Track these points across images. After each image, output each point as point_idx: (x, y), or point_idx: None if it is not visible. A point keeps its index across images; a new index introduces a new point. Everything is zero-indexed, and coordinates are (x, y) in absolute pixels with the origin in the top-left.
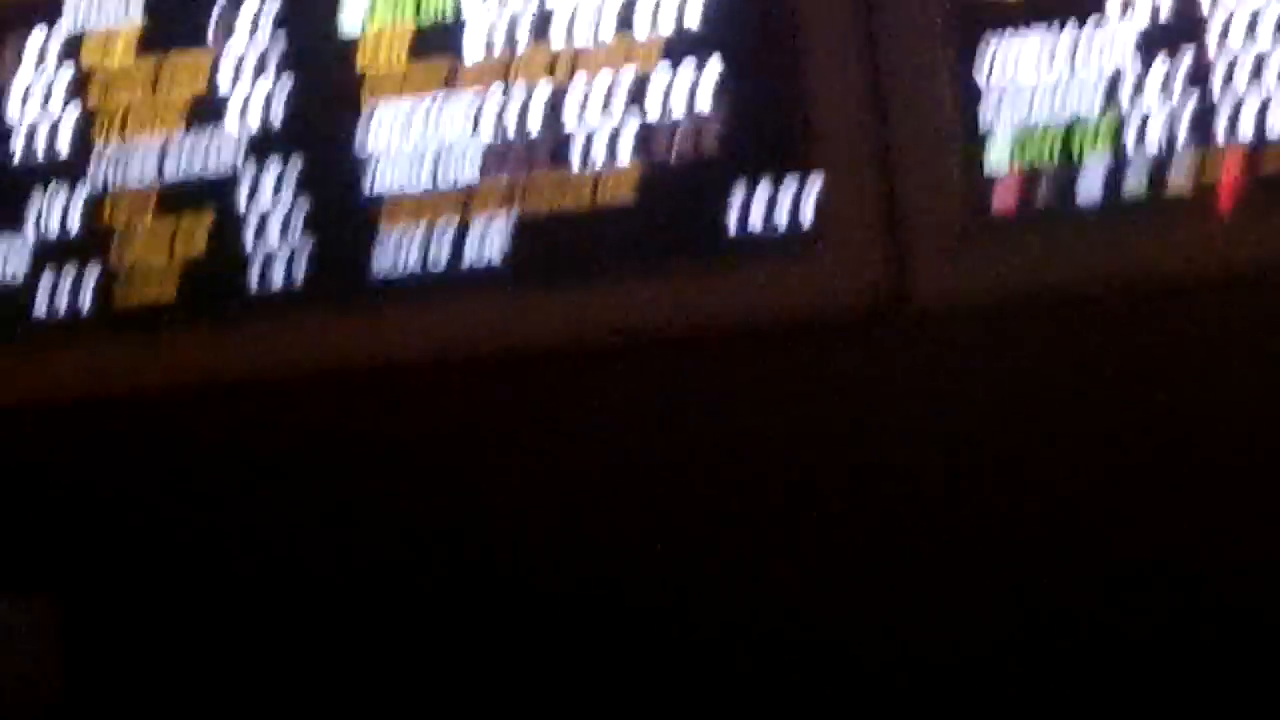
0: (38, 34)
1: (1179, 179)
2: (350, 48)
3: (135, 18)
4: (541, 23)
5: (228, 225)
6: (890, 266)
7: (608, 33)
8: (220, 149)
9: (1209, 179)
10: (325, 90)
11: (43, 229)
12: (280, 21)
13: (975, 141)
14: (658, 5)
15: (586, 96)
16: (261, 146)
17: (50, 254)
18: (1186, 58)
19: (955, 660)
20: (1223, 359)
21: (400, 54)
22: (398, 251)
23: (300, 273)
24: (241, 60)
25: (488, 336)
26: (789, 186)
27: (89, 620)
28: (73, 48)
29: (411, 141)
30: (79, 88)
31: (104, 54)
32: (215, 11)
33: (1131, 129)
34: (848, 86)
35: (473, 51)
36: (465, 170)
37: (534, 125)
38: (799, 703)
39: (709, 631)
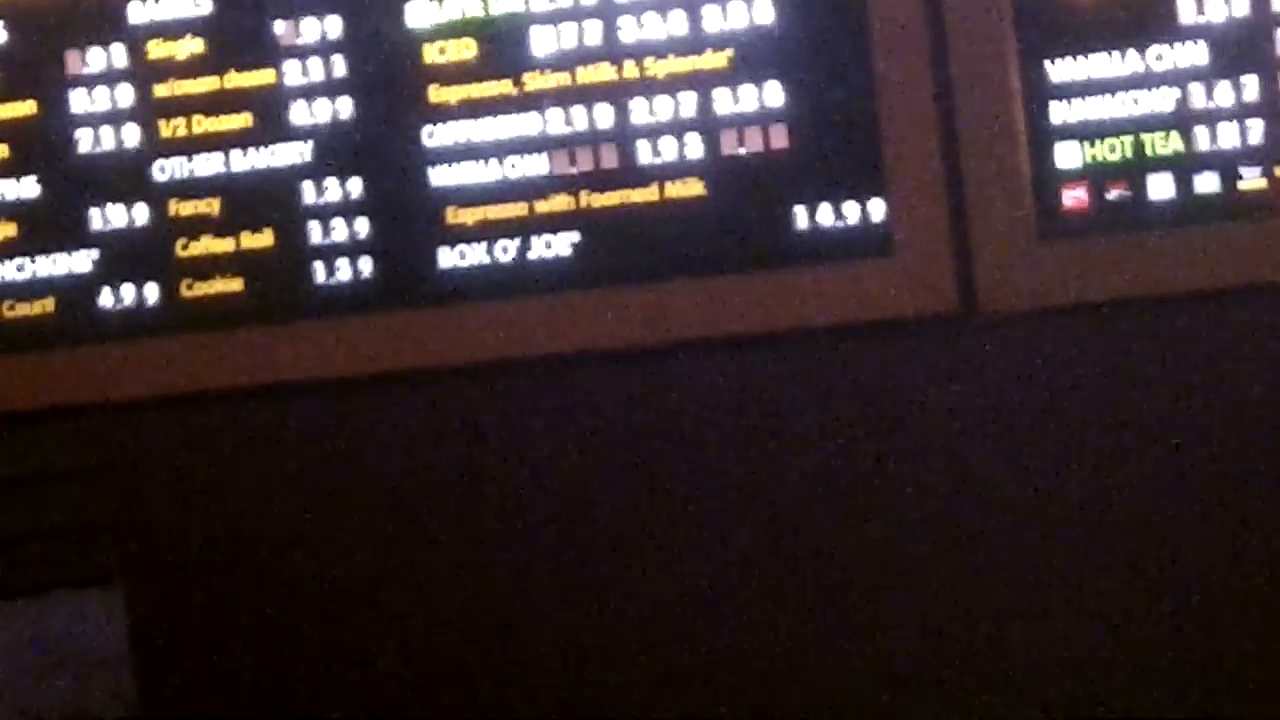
0: (101, 32)
1: (1251, 181)
2: (416, 44)
3: (201, 14)
4: (610, 22)
5: (293, 224)
6: (959, 272)
7: (679, 27)
8: (286, 146)
9: None
10: (391, 87)
11: (108, 228)
12: (346, 19)
13: (1044, 147)
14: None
15: (655, 95)
16: (327, 144)
17: (116, 253)
18: (1258, 58)
19: (1020, 667)
20: None
21: (467, 51)
22: (464, 251)
23: (366, 272)
24: (307, 56)
25: (554, 336)
26: (859, 191)
27: (155, 614)
28: (138, 45)
29: (478, 139)
30: (144, 85)
31: (169, 51)
32: (281, 8)
33: (1202, 133)
34: (918, 93)
35: (540, 50)
36: (532, 168)
37: (601, 123)
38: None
39: (785, 623)
